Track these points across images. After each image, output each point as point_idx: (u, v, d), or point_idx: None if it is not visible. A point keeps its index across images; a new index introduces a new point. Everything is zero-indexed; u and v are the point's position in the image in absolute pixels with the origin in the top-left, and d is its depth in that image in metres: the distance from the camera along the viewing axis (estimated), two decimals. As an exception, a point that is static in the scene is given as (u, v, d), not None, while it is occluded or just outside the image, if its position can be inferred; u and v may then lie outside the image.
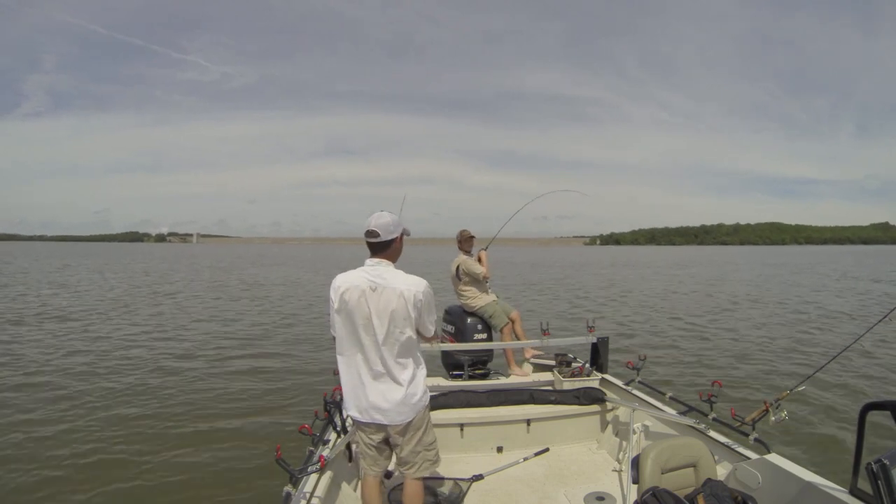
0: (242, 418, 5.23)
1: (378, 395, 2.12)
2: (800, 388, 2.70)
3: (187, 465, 4.14)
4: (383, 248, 2.15)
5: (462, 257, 4.40)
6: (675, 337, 9.95)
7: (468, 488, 2.97)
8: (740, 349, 8.74)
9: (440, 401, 3.51)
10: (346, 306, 2.10)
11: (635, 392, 3.57)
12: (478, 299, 4.32)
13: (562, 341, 4.25)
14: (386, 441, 2.25)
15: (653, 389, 3.51)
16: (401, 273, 2.15)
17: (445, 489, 2.95)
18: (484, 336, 4.24)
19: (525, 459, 3.35)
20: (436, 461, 2.32)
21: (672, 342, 9.41)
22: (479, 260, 4.43)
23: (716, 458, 2.46)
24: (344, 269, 2.18)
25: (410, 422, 2.17)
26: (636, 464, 2.26)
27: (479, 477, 3.09)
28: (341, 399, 2.32)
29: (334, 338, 2.19)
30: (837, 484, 2.05)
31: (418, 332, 2.20)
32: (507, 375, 4.19)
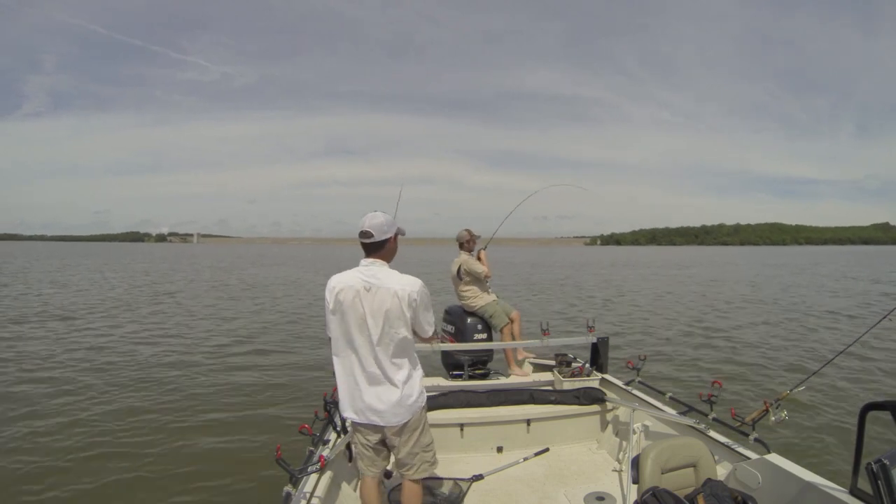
0: (242, 418, 5.23)
1: (373, 396, 2.12)
2: (800, 389, 2.70)
3: (187, 465, 4.13)
4: (377, 248, 2.15)
5: (463, 256, 4.40)
6: (675, 337, 9.94)
7: (468, 488, 2.97)
8: (740, 349, 8.73)
9: (440, 401, 3.52)
10: (340, 307, 2.10)
11: (635, 392, 3.57)
12: (478, 299, 4.32)
13: (562, 341, 4.25)
14: (383, 442, 2.24)
15: (653, 389, 3.51)
16: (395, 273, 2.15)
17: (445, 489, 2.96)
18: (484, 336, 4.24)
19: (525, 459, 3.35)
20: (434, 462, 2.31)
21: (672, 342, 9.40)
22: (479, 259, 4.43)
23: (716, 458, 2.46)
24: (344, 269, 2.18)
25: (407, 423, 2.17)
26: (636, 464, 2.26)
27: (479, 477, 3.09)
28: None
29: (331, 339, 2.19)
30: (837, 484, 2.05)
31: (415, 333, 2.19)
32: (507, 375, 4.19)
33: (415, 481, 2.27)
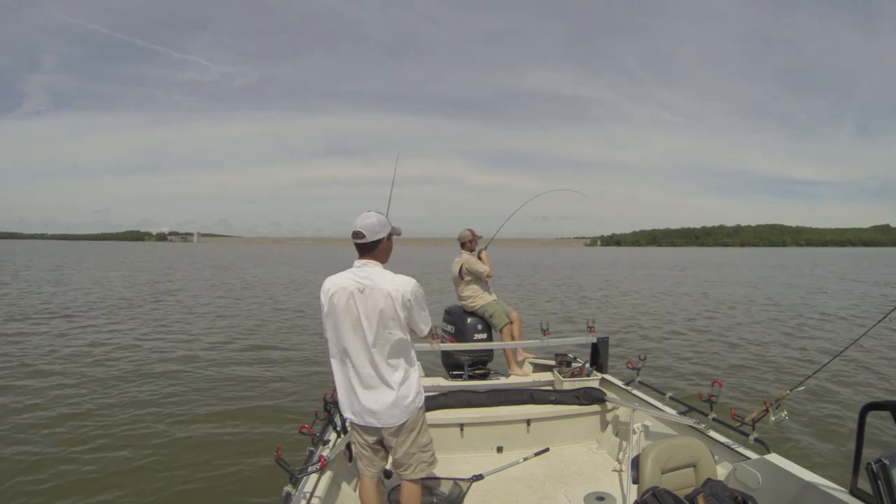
0: (242, 418, 5.23)
1: (370, 397, 2.12)
2: (800, 389, 2.70)
3: (186, 465, 4.13)
4: (370, 248, 2.14)
5: (465, 256, 4.40)
6: (675, 337, 9.94)
7: (468, 488, 2.97)
8: (740, 350, 8.74)
9: (440, 401, 3.51)
10: (334, 309, 2.10)
11: (635, 392, 3.57)
12: (479, 298, 4.32)
13: (562, 341, 4.25)
14: (380, 442, 2.24)
15: (653, 389, 3.51)
16: (388, 273, 2.14)
17: (445, 489, 2.96)
18: (484, 336, 4.24)
19: (525, 459, 3.35)
20: (432, 462, 2.31)
21: (672, 342, 9.41)
22: (480, 259, 4.44)
23: (716, 458, 2.46)
24: (343, 269, 2.18)
25: (404, 424, 2.16)
26: (636, 464, 2.26)
27: (479, 477, 3.08)
28: None
29: (328, 341, 2.19)
30: (837, 484, 2.05)
31: (412, 332, 2.19)
32: (507, 375, 4.19)
33: (413, 481, 2.27)
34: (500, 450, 3.48)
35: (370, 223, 2.13)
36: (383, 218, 2.19)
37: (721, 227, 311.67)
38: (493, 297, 4.41)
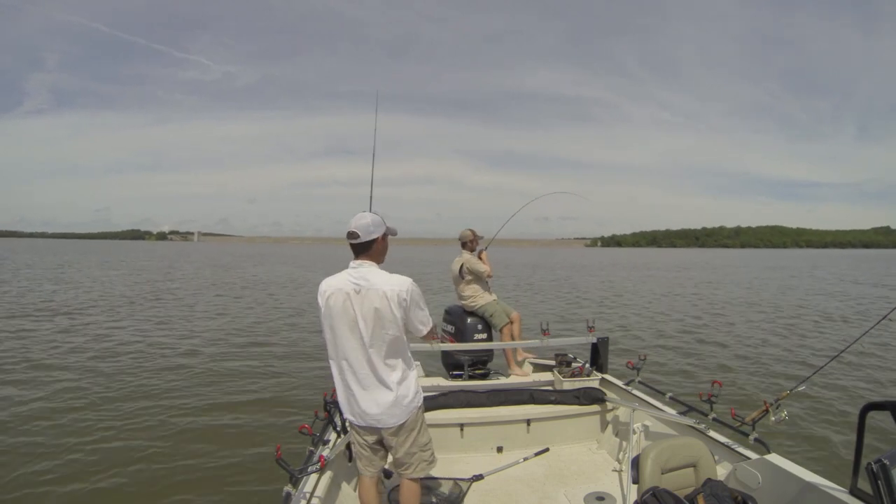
0: (242, 418, 5.22)
1: (368, 398, 2.12)
2: (800, 389, 2.70)
3: (186, 465, 4.13)
4: (365, 248, 2.14)
5: (466, 256, 4.41)
6: (675, 337, 9.94)
7: (468, 488, 2.97)
8: (740, 350, 8.74)
9: (440, 401, 3.52)
10: (331, 311, 2.10)
11: (635, 392, 3.57)
12: (479, 298, 4.32)
13: (562, 341, 4.25)
14: (380, 442, 2.24)
15: (653, 389, 3.51)
16: (384, 273, 2.14)
17: (445, 489, 2.95)
18: (484, 336, 4.24)
19: (525, 459, 3.35)
20: (432, 462, 2.31)
21: (672, 343, 9.40)
22: (480, 259, 4.44)
23: (716, 458, 2.46)
24: (343, 269, 2.18)
25: (403, 423, 2.16)
26: (636, 464, 2.26)
27: (479, 477, 3.08)
28: None
29: (326, 342, 2.19)
30: (837, 484, 2.05)
31: (410, 332, 2.19)
32: (507, 375, 4.19)
33: (413, 480, 2.27)
34: (500, 450, 3.48)
35: (364, 223, 2.13)
36: (378, 218, 2.18)
37: (721, 229, 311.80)
38: (494, 296, 4.41)
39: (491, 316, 4.26)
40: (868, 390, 6.21)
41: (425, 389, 2.88)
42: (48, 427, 4.82)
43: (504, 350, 4.24)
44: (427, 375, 4.24)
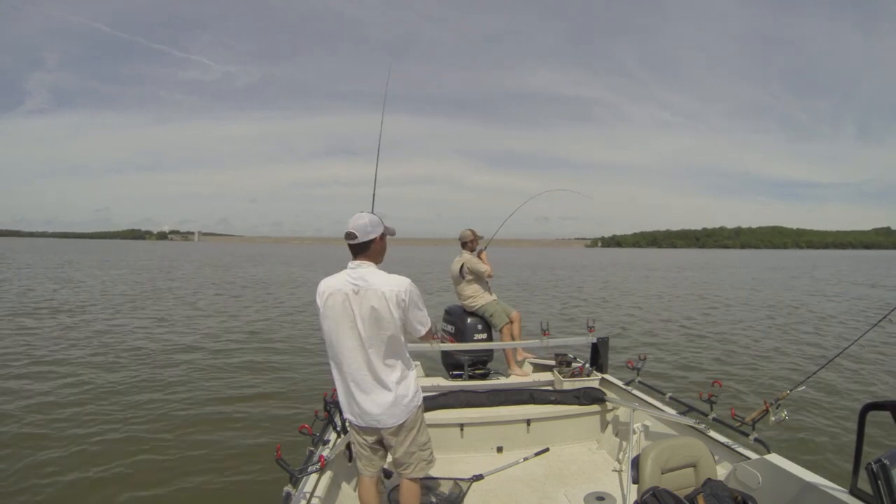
0: (242, 418, 5.23)
1: (368, 398, 2.12)
2: (800, 389, 2.70)
3: (186, 466, 4.13)
4: (363, 249, 2.14)
5: (466, 256, 4.41)
6: (675, 337, 9.94)
7: (468, 488, 2.97)
8: (740, 350, 8.73)
9: (440, 401, 3.52)
10: (330, 311, 2.11)
11: (635, 392, 3.57)
12: (479, 298, 4.32)
13: (562, 341, 4.25)
14: (380, 441, 2.25)
15: (653, 389, 3.51)
16: (382, 274, 2.14)
17: (445, 489, 2.95)
18: (484, 336, 4.24)
19: (525, 459, 3.35)
20: (431, 461, 2.31)
21: (672, 343, 9.40)
22: (480, 259, 4.44)
23: (716, 458, 2.46)
24: (343, 269, 2.18)
25: (403, 423, 2.17)
26: (636, 464, 2.26)
27: (479, 477, 3.08)
28: None
29: (326, 342, 2.19)
30: (837, 484, 2.05)
31: (409, 333, 2.19)
32: (507, 375, 4.19)
33: (413, 480, 2.27)
34: (500, 450, 3.48)
35: (362, 224, 2.13)
36: (376, 218, 2.18)
37: (722, 229, 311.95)
38: (494, 296, 4.41)
39: (491, 316, 4.26)
40: (868, 390, 6.21)
41: (425, 389, 2.88)
42: (51, 420, 4.95)
43: (504, 350, 4.24)
44: (427, 375, 4.24)
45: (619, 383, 3.75)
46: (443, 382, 3.91)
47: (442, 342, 4.11)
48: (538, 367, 4.35)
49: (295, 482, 2.18)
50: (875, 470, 1.63)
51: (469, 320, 4.27)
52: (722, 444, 2.69)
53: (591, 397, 3.66)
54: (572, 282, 25.77)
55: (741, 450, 2.57)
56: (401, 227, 2.39)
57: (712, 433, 2.80)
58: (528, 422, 3.53)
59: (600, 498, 2.82)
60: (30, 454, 4.20)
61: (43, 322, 10.44)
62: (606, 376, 3.90)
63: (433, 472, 2.66)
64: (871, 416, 1.92)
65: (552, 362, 4.20)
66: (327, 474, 2.42)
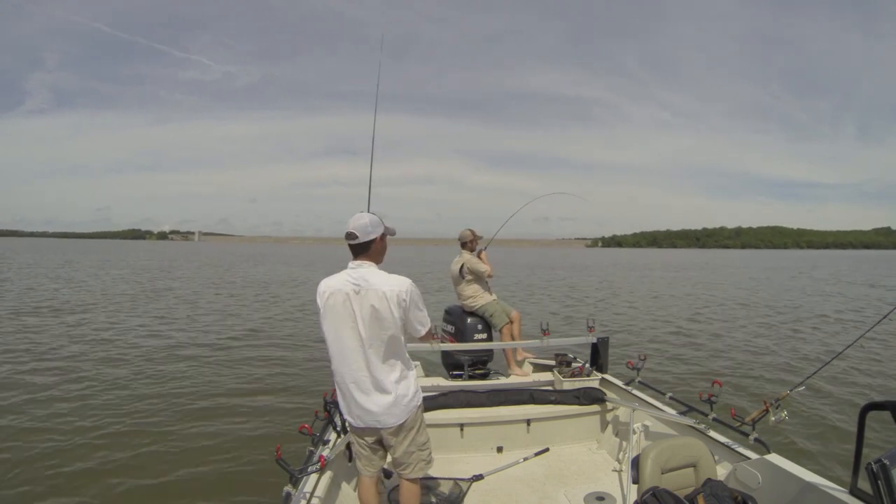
0: (242, 417, 5.22)
1: (368, 398, 2.12)
2: (800, 389, 2.70)
3: (186, 466, 4.13)
4: (363, 249, 2.14)
5: (466, 256, 4.41)
6: (675, 337, 9.93)
7: (468, 488, 2.97)
8: (740, 350, 8.73)
9: (440, 401, 3.52)
10: (331, 311, 2.11)
11: (635, 392, 3.57)
12: (479, 298, 4.32)
13: (562, 341, 4.25)
14: (379, 441, 2.25)
15: (653, 389, 3.51)
16: (383, 274, 2.14)
17: (445, 489, 2.95)
18: (484, 336, 4.24)
19: (525, 459, 3.35)
20: (430, 461, 2.31)
21: (672, 343, 9.39)
22: (480, 259, 4.44)
23: (716, 458, 2.46)
24: (343, 268, 2.18)
25: (403, 423, 2.17)
26: (636, 464, 2.26)
27: (479, 477, 3.09)
28: None
29: (326, 342, 2.19)
30: (837, 484, 2.05)
31: (408, 333, 2.19)
32: (507, 375, 4.19)
33: (412, 480, 2.27)
34: (500, 450, 3.48)
35: (362, 224, 2.13)
36: (376, 218, 2.18)
37: (722, 229, 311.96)
38: (494, 296, 4.42)
39: (491, 316, 4.26)
40: (868, 390, 6.20)
41: (425, 389, 2.88)
42: (54, 413, 5.04)
43: (504, 350, 4.24)
44: (427, 375, 4.24)
45: (619, 383, 3.75)
46: (443, 382, 3.91)
47: (442, 342, 4.12)
48: (538, 367, 4.35)
49: (295, 482, 2.19)
50: (875, 470, 1.63)
51: (469, 320, 4.27)
52: (722, 444, 2.69)
53: (591, 397, 3.66)
54: (572, 282, 25.77)
55: (741, 450, 2.57)
56: (401, 228, 2.40)
57: (712, 433, 2.80)
58: (528, 422, 3.53)
59: (600, 498, 2.83)
60: (35, 446, 4.31)
61: (45, 320, 10.50)
62: (606, 376, 3.90)
63: (433, 472, 2.66)
64: (871, 416, 1.92)
65: (552, 362, 4.20)
66: (327, 474, 2.42)
